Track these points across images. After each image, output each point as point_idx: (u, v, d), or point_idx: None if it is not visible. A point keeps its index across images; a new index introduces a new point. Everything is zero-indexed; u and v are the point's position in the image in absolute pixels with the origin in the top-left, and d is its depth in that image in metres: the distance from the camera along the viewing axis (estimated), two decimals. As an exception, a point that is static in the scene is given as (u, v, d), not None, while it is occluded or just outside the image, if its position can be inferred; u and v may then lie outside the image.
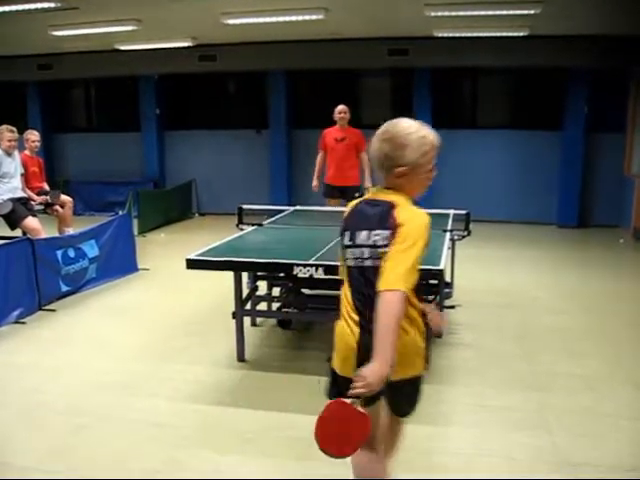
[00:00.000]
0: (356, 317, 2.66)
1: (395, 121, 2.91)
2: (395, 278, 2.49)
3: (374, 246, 2.62)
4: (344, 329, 2.71)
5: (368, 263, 2.64)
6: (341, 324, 2.74)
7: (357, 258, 2.68)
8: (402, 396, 2.98)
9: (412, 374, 2.88)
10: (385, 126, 2.88)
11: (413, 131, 2.85)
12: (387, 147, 2.77)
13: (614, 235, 11.71)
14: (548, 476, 3.64)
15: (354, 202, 2.85)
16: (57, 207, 9.02)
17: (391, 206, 2.66)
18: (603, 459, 3.81)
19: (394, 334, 2.46)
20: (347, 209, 2.84)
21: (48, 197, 8.95)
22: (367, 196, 2.83)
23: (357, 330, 2.65)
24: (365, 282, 2.65)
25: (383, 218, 2.64)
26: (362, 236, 2.66)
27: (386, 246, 2.58)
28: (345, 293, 2.74)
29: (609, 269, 9.18)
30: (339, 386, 2.73)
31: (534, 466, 3.75)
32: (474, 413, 4.51)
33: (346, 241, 2.73)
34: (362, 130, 8.91)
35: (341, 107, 9.33)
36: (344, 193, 8.86)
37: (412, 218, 2.64)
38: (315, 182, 9.40)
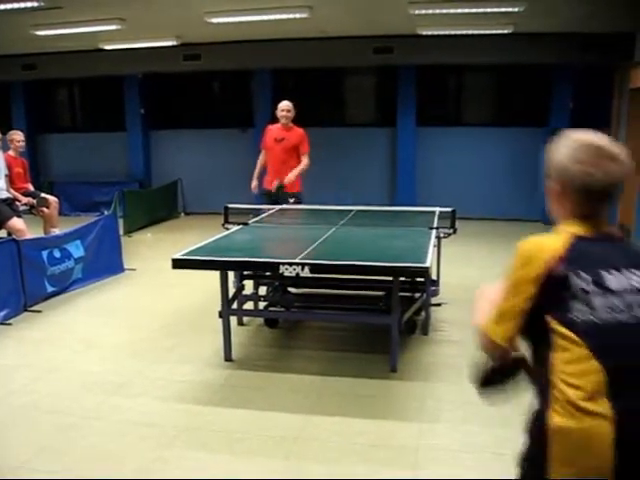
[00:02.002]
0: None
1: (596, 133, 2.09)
2: None
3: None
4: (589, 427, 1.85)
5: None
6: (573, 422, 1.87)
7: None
8: None
9: None
10: (612, 143, 2.04)
11: None
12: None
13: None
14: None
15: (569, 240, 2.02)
16: (42, 207, 8.98)
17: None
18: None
19: None
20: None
21: (35, 202, 8.90)
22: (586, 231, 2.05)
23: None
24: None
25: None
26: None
27: None
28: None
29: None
30: None
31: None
32: (461, 409, 4.52)
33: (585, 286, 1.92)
34: (305, 129, 8.36)
35: (285, 104, 8.27)
36: (278, 199, 8.00)
37: None
38: (254, 182, 8.41)
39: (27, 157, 10.02)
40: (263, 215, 7.26)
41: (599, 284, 1.89)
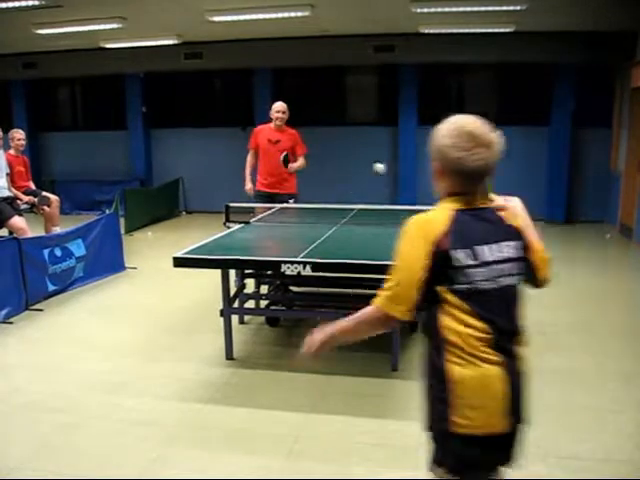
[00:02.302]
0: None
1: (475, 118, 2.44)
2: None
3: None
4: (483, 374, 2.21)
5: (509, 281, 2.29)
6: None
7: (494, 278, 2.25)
8: None
9: None
10: (484, 124, 2.39)
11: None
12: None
13: (601, 231, 11.76)
14: (534, 468, 3.66)
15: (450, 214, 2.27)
16: (44, 206, 8.98)
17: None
18: (589, 452, 3.84)
19: None
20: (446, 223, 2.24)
21: (36, 200, 8.90)
22: (465, 205, 2.31)
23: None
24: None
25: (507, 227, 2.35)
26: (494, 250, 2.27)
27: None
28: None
29: (596, 264, 9.23)
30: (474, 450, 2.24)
31: (523, 459, 3.76)
32: (462, 408, 4.52)
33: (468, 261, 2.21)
34: (299, 130, 8.22)
35: (280, 105, 8.05)
36: (274, 201, 7.86)
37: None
38: (250, 185, 8.15)
39: (28, 156, 10.01)
40: (265, 214, 7.24)
41: (476, 257, 2.20)
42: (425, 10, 9.61)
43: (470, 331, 2.19)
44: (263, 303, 6.55)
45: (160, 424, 4.26)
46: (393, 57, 12.86)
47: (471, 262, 2.20)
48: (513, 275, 2.31)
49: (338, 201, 8.40)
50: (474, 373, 2.19)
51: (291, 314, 6.58)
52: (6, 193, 8.32)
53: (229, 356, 5.44)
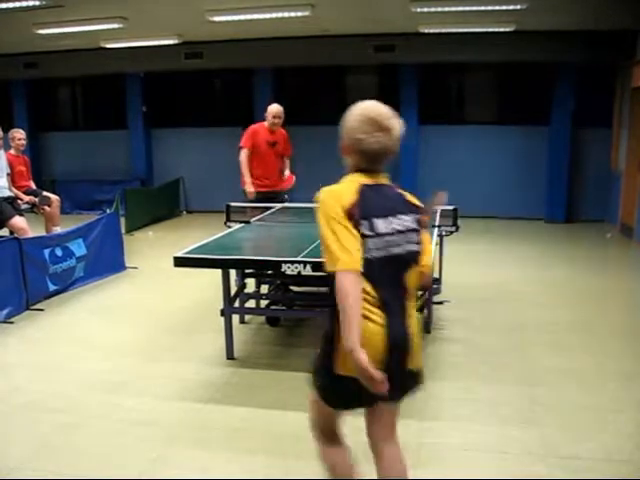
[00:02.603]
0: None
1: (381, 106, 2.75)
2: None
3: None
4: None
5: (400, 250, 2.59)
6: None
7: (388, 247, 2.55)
8: None
9: None
10: (388, 112, 2.69)
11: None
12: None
13: (601, 230, 11.76)
14: (535, 468, 3.66)
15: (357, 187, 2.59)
16: (45, 206, 8.98)
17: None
18: (591, 452, 3.84)
19: None
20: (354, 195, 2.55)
21: (37, 200, 8.89)
22: (368, 181, 2.64)
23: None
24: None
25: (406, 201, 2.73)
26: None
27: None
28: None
29: (596, 264, 9.23)
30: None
31: (524, 459, 3.77)
32: (463, 407, 4.52)
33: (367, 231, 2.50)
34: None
35: (277, 110, 7.85)
36: (271, 200, 7.84)
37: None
38: (252, 187, 7.88)
39: (29, 155, 10.01)
40: (265, 213, 7.24)
41: (372, 229, 2.51)
42: (425, 10, 9.61)
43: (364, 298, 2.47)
44: (263, 303, 6.56)
45: (160, 424, 4.26)
46: (393, 57, 12.86)
47: (367, 232, 2.50)
48: (405, 244, 2.60)
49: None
50: (363, 327, 2.43)
51: (291, 314, 6.58)
52: (7, 193, 8.32)
53: (230, 356, 5.45)
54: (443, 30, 11.48)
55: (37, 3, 8.97)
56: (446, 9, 9.57)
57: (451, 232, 6.49)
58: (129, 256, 8.88)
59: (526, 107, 13.28)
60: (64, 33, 11.19)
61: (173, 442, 4.05)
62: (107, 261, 8.37)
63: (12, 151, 8.99)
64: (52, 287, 7.36)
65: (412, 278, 2.64)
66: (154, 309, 7.02)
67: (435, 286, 6.49)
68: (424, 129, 13.41)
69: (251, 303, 6.50)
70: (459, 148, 13.51)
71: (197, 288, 7.38)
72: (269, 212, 7.33)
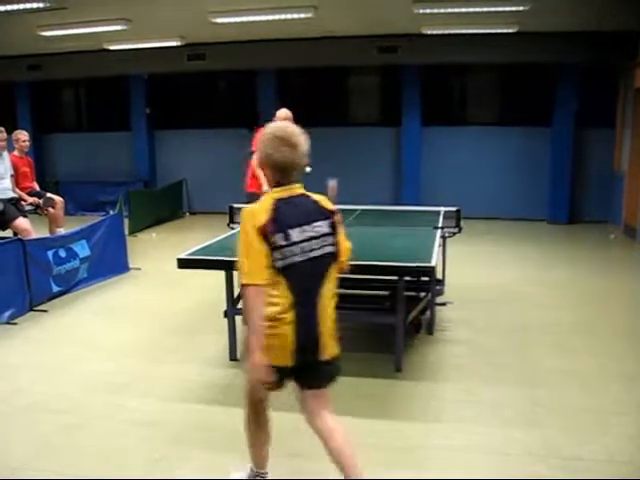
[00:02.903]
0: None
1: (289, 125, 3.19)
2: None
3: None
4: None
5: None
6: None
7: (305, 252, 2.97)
8: None
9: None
10: (294, 130, 3.07)
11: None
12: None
13: (604, 231, 11.75)
14: (536, 469, 3.67)
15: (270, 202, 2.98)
16: (48, 207, 8.99)
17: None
18: (592, 453, 3.85)
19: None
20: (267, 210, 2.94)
21: (41, 202, 8.90)
22: (283, 194, 3.02)
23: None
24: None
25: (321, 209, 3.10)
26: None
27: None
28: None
29: (599, 265, 9.22)
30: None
31: (526, 460, 3.78)
32: (466, 409, 4.53)
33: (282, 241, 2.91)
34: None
35: (286, 114, 7.68)
36: None
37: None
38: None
39: (32, 157, 10.03)
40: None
41: (287, 239, 2.89)
42: (428, 11, 9.60)
43: (276, 303, 2.91)
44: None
45: (163, 425, 4.27)
46: (396, 58, 12.86)
47: (283, 243, 2.88)
48: (322, 248, 3.00)
49: (341, 201, 8.36)
50: (273, 332, 2.91)
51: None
52: (10, 194, 8.34)
53: (233, 357, 5.46)
54: (446, 31, 11.48)
55: (41, 5, 8.98)
56: (449, 10, 9.56)
57: (454, 233, 6.50)
58: (132, 257, 8.90)
59: (529, 108, 13.27)
60: (67, 35, 11.21)
61: (176, 443, 4.05)
62: (110, 262, 8.39)
63: (16, 152, 9.00)
64: (55, 288, 7.38)
65: (332, 274, 3.08)
66: (157, 310, 7.03)
67: (438, 287, 6.50)
68: (427, 130, 13.41)
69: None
70: (462, 149, 13.50)
71: (200, 289, 7.39)
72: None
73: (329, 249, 3.04)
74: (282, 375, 3.04)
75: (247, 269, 2.88)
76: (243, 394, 3.40)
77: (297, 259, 2.92)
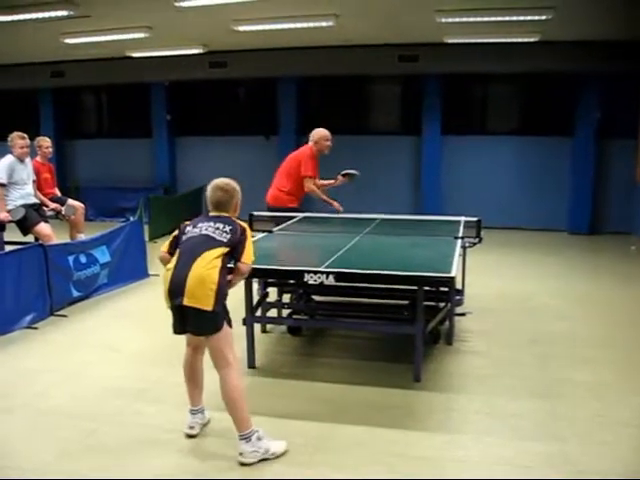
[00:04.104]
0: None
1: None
2: None
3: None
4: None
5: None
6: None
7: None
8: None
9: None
10: (224, 183, 4.24)
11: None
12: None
13: (626, 242, 11.64)
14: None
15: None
16: (70, 215, 9.03)
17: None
18: (614, 467, 3.80)
19: None
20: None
21: (63, 209, 8.94)
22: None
23: None
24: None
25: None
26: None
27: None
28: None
29: (620, 276, 9.13)
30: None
31: (546, 474, 3.74)
32: (485, 420, 4.50)
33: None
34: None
35: (328, 133, 7.90)
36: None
37: None
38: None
39: (54, 162, 10.10)
40: (288, 223, 7.25)
41: (194, 227, 4.06)
42: (450, 20, 9.59)
43: (171, 261, 4.01)
44: (285, 312, 6.56)
45: (180, 431, 4.26)
46: (417, 67, 12.85)
47: (189, 229, 4.07)
48: (210, 232, 3.99)
49: (361, 210, 8.37)
50: (164, 275, 3.97)
51: (313, 324, 6.58)
52: (33, 200, 8.40)
53: (251, 364, 5.45)
54: (467, 40, 11.44)
55: (65, 13, 9.07)
56: (471, 19, 9.55)
57: (474, 243, 6.46)
58: (152, 264, 8.92)
59: (550, 118, 13.22)
60: (91, 42, 11.31)
61: (193, 450, 4.06)
62: (130, 268, 8.43)
63: (38, 158, 9.06)
64: (76, 293, 7.42)
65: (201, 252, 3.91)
66: (176, 317, 7.04)
67: (457, 297, 6.46)
68: (447, 139, 13.39)
69: (273, 312, 6.50)
70: (482, 159, 13.47)
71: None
72: (292, 221, 7.34)
73: (208, 243, 3.96)
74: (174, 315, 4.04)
75: (165, 245, 4.19)
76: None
77: (191, 239, 4.02)
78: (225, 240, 3.97)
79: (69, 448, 4.05)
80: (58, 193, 9.42)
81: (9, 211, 8.10)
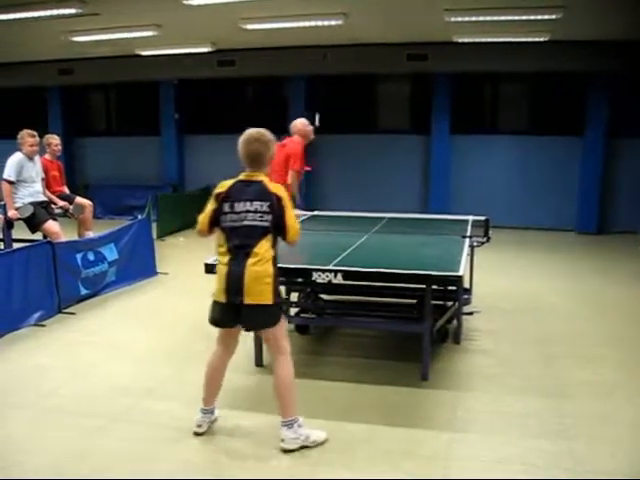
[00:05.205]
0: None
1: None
2: None
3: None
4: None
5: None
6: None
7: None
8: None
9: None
10: (257, 133, 4.36)
11: None
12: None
13: (634, 242, 11.60)
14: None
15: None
16: (78, 214, 9.05)
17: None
18: (619, 467, 3.79)
19: None
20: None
21: (71, 208, 8.97)
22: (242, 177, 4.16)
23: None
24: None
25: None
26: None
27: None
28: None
29: (628, 276, 9.09)
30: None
31: (553, 473, 3.73)
32: (492, 419, 4.49)
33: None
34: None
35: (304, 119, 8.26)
36: None
37: None
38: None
39: (63, 160, 10.12)
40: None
41: (232, 208, 3.97)
42: (459, 19, 9.57)
43: (220, 249, 4.02)
44: (293, 310, 6.55)
45: (188, 430, 4.26)
46: (426, 66, 12.84)
47: (228, 210, 3.97)
48: (252, 221, 3.93)
49: (369, 208, 8.37)
50: (217, 267, 4.04)
51: (321, 322, 6.57)
52: (41, 197, 8.42)
53: (258, 363, 5.46)
54: (477, 39, 11.42)
55: (73, 11, 9.09)
56: (480, 18, 9.52)
57: (482, 243, 6.45)
58: (160, 261, 8.95)
59: (559, 117, 13.17)
60: (99, 40, 11.33)
61: (201, 448, 4.06)
62: (138, 266, 8.44)
63: (47, 156, 9.08)
64: (84, 291, 7.44)
65: (254, 239, 3.93)
66: (184, 315, 7.05)
67: (465, 296, 6.45)
68: (456, 139, 13.36)
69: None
70: (491, 158, 13.44)
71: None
72: (300, 220, 7.32)
73: (256, 223, 3.93)
74: (219, 312, 4.06)
75: (201, 215, 4.17)
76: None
77: (235, 224, 3.95)
78: (267, 224, 3.92)
79: (77, 446, 4.06)
80: (67, 191, 9.43)
81: (17, 209, 8.12)
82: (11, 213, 8.06)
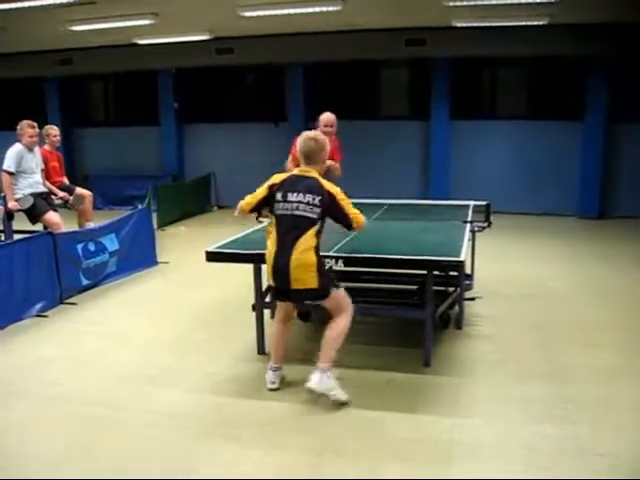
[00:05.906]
0: None
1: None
2: None
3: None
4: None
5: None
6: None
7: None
8: None
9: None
10: (314, 134, 4.62)
11: None
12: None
13: (635, 226, 11.59)
14: (569, 466, 3.62)
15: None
16: (78, 205, 9.03)
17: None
18: (624, 450, 3.79)
19: None
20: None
21: (71, 199, 8.94)
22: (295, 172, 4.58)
23: None
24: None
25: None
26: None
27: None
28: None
29: (629, 261, 9.07)
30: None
31: (557, 457, 3.73)
32: (495, 404, 4.49)
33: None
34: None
35: (328, 118, 7.39)
36: None
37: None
38: None
39: (62, 151, 10.10)
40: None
41: (284, 197, 4.36)
42: (458, 3, 9.53)
43: (270, 235, 4.44)
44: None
45: (191, 417, 4.28)
46: (425, 51, 12.80)
47: (280, 199, 4.37)
48: (302, 211, 4.29)
49: (369, 194, 8.35)
50: (266, 252, 4.45)
51: (322, 309, 6.55)
52: (41, 188, 8.40)
53: (261, 351, 5.46)
54: (476, 24, 11.36)
55: (70, 0, 9.05)
56: (479, 2, 9.47)
57: (483, 228, 6.43)
58: (161, 251, 8.94)
59: (560, 102, 13.11)
60: (97, 30, 11.29)
61: (203, 436, 4.06)
62: (139, 256, 8.44)
63: (47, 147, 9.05)
64: (85, 281, 7.44)
65: (302, 229, 4.29)
66: (185, 304, 7.06)
67: (467, 282, 6.44)
68: (455, 124, 13.32)
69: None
70: (491, 143, 13.41)
71: (228, 283, 7.39)
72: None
73: (305, 214, 4.29)
74: (276, 294, 4.67)
75: (249, 197, 4.62)
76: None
77: (287, 212, 4.34)
78: (316, 216, 4.28)
79: (80, 435, 4.07)
80: (66, 181, 9.41)
81: (18, 200, 8.10)
82: (11, 204, 8.04)
